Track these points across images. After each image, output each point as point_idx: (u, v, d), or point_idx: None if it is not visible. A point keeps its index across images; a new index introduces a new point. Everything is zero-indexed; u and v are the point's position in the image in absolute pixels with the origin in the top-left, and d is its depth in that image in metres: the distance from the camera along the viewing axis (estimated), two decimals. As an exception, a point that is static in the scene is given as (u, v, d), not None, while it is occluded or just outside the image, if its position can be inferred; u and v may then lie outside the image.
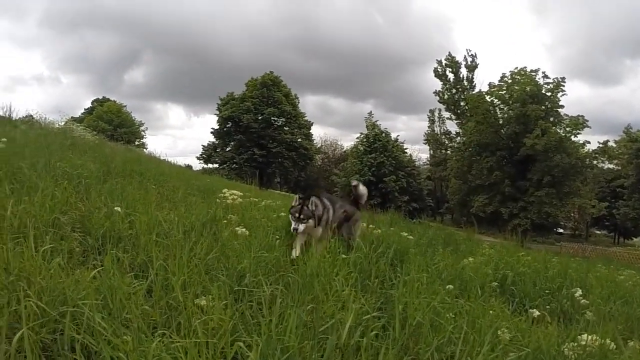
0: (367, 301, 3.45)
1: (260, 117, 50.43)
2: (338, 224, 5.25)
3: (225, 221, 5.32)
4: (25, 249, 3.09)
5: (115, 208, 4.47)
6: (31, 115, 12.83)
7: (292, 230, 4.77)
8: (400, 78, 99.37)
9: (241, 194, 6.97)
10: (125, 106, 57.05)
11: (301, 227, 4.73)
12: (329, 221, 5.07)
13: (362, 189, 5.87)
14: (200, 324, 2.68)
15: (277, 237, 5.08)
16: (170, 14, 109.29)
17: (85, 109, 57.83)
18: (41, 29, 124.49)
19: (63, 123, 14.90)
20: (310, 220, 4.80)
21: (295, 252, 4.56)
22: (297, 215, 4.77)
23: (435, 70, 56.97)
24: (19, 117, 11.63)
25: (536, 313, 4.40)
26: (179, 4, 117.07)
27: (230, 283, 3.46)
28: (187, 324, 2.73)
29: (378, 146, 49.74)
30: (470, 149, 49.07)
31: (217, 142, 51.66)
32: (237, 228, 4.85)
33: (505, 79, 48.61)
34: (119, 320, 2.66)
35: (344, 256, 4.35)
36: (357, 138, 52.98)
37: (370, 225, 6.59)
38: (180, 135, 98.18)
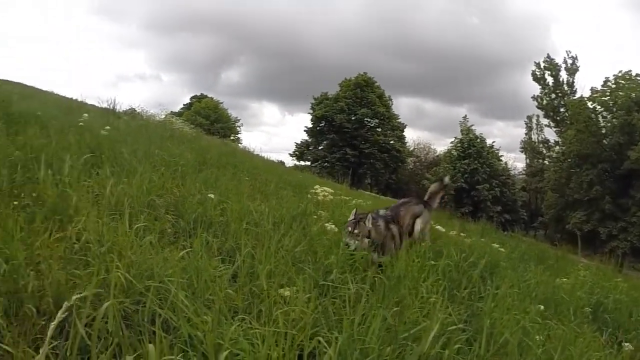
0: (454, 312, 3.26)
1: (353, 118, 50.02)
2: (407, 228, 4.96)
3: (315, 216, 5.32)
4: (119, 225, 3.21)
5: (209, 195, 4.59)
6: (133, 109, 13.57)
7: (344, 245, 4.23)
8: (497, 81, 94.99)
9: (332, 191, 6.98)
10: (222, 103, 58.91)
11: (352, 243, 4.20)
12: (396, 235, 4.67)
13: (435, 186, 5.67)
14: (281, 314, 2.63)
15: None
16: (265, 17, 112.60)
17: (184, 105, 60.54)
18: (143, 32, 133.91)
19: (163, 116, 15.61)
20: (366, 240, 4.31)
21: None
22: (349, 229, 4.35)
23: (533, 74, 53.32)
24: (123, 110, 12.30)
25: (630, 347, 4.02)
26: (273, 6, 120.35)
27: (316, 277, 3.41)
28: (268, 313, 2.71)
29: (472, 152, 47.61)
30: (569, 160, 44.87)
31: (310, 140, 52.07)
32: (326, 224, 4.83)
33: (609, 83, 44.06)
34: (201, 301, 2.68)
35: (432, 262, 4.15)
36: (451, 143, 51.02)
37: (462, 234, 6.43)
38: (274, 132, 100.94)
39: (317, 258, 3.89)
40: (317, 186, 7.40)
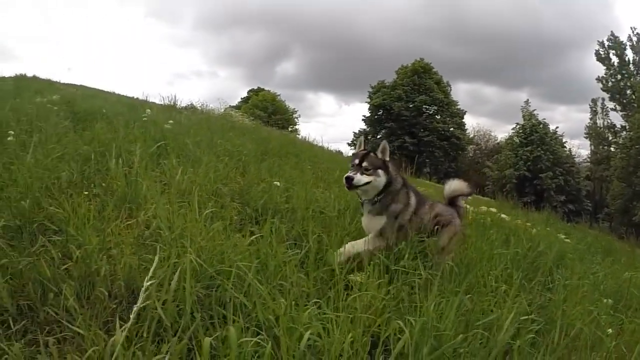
0: (526, 301, 3.17)
1: (411, 105, 48.76)
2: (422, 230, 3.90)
3: None
4: (188, 211, 3.23)
5: (275, 182, 4.58)
6: (192, 104, 13.86)
7: (344, 181, 3.63)
8: (558, 63, 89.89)
9: None
10: (279, 95, 58.92)
11: (361, 178, 3.61)
12: (406, 221, 3.81)
13: (456, 184, 4.44)
14: (353, 300, 2.64)
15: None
16: (315, 8, 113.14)
17: (241, 98, 61.13)
18: (196, 31, 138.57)
19: (222, 110, 15.93)
20: (379, 178, 3.68)
21: (341, 257, 3.37)
22: (357, 162, 3.68)
23: (597, 53, 49.58)
24: (183, 106, 12.56)
25: None
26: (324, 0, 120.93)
27: (387, 263, 3.33)
28: (339, 298, 2.65)
29: (535, 138, 45.34)
30: (637, 146, 41.89)
31: (368, 130, 51.48)
32: None
33: (680, 61, 40.99)
34: (272, 285, 2.65)
35: (501, 250, 4.13)
36: (513, 129, 49.05)
37: (527, 223, 6.32)
38: (331, 122, 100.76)
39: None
40: None
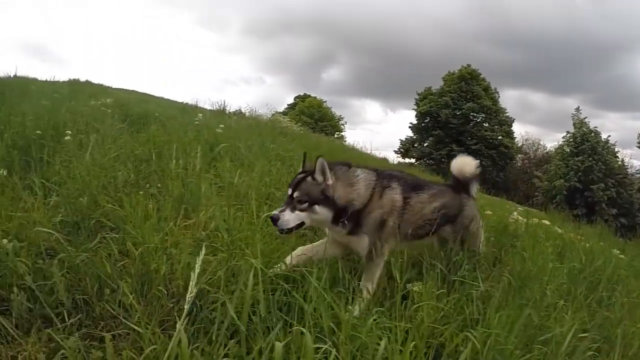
0: (579, 318, 3.03)
1: (459, 113, 47.70)
2: (430, 228, 3.34)
3: None
4: (245, 214, 3.21)
5: None
6: (240, 110, 14.02)
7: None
8: (609, 68, 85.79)
9: None
10: (325, 102, 59.00)
11: (290, 219, 2.80)
12: (395, 223, 3.12)
13: (463, 161, 3.79)
14: (413, 310, 2.61)
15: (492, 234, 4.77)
16: (361, 15, 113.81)
17: (288, 105, 61.13)
18: (243, 38, 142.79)
19: (270, 115, 16.11)
20: (316, 215, 2.86)
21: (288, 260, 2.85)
22: (290, 192, 2.91)
23: None
24: (231, 111, 12.73)
25: None
26: (368, 4, 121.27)
27: (446, 273, 3.27)
28: (398, 307, 2.60)
29: (586, 148, 43.15)
30: None
31: (415, 137, 50.77)
32: None
33: None
34: (334, 292, 2.58)
35: (556, 265, 3.97)
36: (563, 137, 47.18)
37: (579, 237, 6.15)
38: (377, 130, 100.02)
39: (444, 254, 3.67)
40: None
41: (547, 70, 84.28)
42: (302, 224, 2.86)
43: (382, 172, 3.25)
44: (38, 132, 4.70)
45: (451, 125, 47.46)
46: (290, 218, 2.80)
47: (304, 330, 1.99)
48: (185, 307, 1.84)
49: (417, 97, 50.94)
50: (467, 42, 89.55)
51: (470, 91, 48.52)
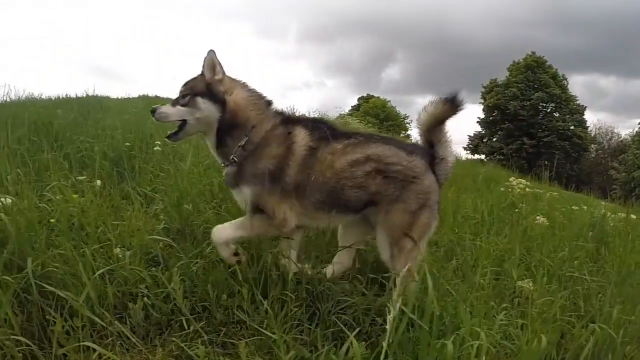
0: None
1: (527, 103, 45.66)
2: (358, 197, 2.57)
3: (517, 210, 5.25)
4: None
5: None
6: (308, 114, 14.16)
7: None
8: None
9: (528, 183, 6.78)
10: (389, 101, 58.63)
11: (169, 112, 2.62)
12: (293, 179, 2.54)
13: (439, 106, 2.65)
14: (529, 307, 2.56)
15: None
16: (414, 10, 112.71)
17: (352, 106, 60.37)
18: (301, 44, 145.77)
19: (336, 117, 16.17)
20: (197, 111, 2.57)
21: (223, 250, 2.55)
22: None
23: None
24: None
25: None
26: (420, 1, 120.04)
27: (556, 269, 3.29)
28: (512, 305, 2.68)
29: None
30: None
31: (483, 132, 49.15)
32: (537, 217, 4.78)
33: None
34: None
35: None
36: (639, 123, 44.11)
37: None
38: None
39: (542, 250, 3.75)
40: (512, 178, 7.10)
41: (616, 51, 79.27)
42: (185, 122, 2.60)
43: (292, 117, 2.81)
44: (127, 144, 4.87)
45: (520, 117, 45.48)
46: (169, 111, 2.61)
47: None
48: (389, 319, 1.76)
49: (482, 90, 49.37)
50: (526, 29, 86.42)
51: (537, 80, 46.36)
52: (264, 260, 2.47)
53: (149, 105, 10.79)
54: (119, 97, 12.88)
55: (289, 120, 2.70)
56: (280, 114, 2.74)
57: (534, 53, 47.98)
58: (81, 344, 1.93)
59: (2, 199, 2.53)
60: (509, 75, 47.95)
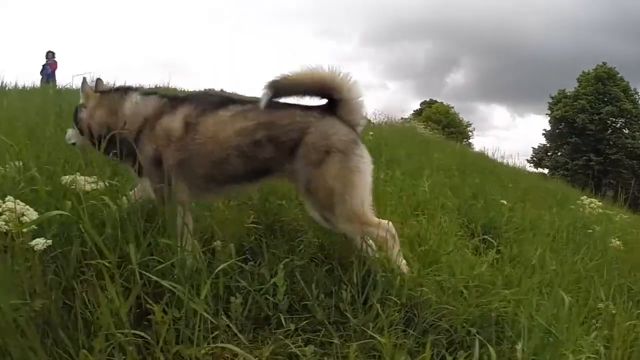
0: None
1: (596, 117, 43.44)
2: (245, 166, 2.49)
3: (589, 230, 5.08)
4: (428, 225, 3.26)
5: (502, 201, 4.47)
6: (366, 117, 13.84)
7: None
8: None
9: (600, 204, 6.50)
10: (452, 107, 57.41)
11: (69, 133, 2.91)
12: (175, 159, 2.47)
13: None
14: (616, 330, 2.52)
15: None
16: (480, 16, 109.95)
17: (414, 111, 59.38)
18: (362, 46, 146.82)
19: (398, 122, 15.86)
20: (70, 132, 2.87)
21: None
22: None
23: None
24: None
25: None
26: (486, 5, 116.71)
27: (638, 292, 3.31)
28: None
29: None
30: None
31: (548, 145, 47.16)
32: (612, 240, 4.58)
33: None
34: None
35: None
36: None
37: None
38: (503, 136, 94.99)
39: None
40: (583, 197, 6.89)
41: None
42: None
43: (175, 97, 2.72)
44: None
45: (588, 132, 43.40)
46: (70, 134, 2.87)
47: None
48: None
49: (550, 100, 47.46)
50: (595, 36, 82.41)
51: (607, 93, 43.89)
52: (370, 263, 2.51)
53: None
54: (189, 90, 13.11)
55: (171, 101, 2.66)
56: (165, 97, 2.73)
57: (604, 64, 45.62)
58: (218, 345, 1.90)
59: (105, 182, 2.44)
60: (578, 86, 45.82)
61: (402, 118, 22.03)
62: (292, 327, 2.18)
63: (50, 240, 1.86)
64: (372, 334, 2.05)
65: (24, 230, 1.79)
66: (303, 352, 2.00)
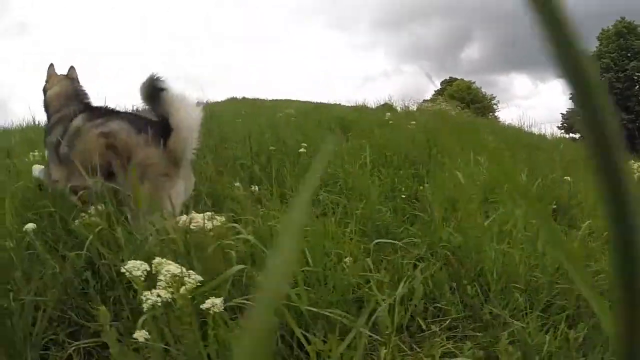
0: None
1: (622, 75, 42.75)
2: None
3: None
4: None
5: (565, 177, 4.53)
6: (387, 102, 13.63)
7: None
8: None
9: None
10: (473, 83, 56.02)
11: None
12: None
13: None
14: None
15: None
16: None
17: (434, 91, 57.09)
18: (374, 34, 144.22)
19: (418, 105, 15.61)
20: None
21: None
22: None
23: None
24: (379, 104, 12.67)
25: None
26: None
27: None
28: None
29: None
30: None
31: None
32: None
33: None
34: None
35: None
36: None
37: None
38: (528, 104, 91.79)
39: None
40: (631, 162, 6.85)
41: None
42: None
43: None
44: (272, 147, 5.03)
45: (616, 90, 42.05)
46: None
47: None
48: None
49: (575, 63, 45.98)
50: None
51: (630, 48, 42.97)
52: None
53: (254, 107, 10.91)
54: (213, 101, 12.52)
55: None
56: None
57: (623, 18, 44.15)
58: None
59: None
60: (600, 44, 44.56)
61: (423, 100, 21.85)
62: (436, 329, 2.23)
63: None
64: (515, 322, 2.15)
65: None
66: (460, 349, 2.07)
